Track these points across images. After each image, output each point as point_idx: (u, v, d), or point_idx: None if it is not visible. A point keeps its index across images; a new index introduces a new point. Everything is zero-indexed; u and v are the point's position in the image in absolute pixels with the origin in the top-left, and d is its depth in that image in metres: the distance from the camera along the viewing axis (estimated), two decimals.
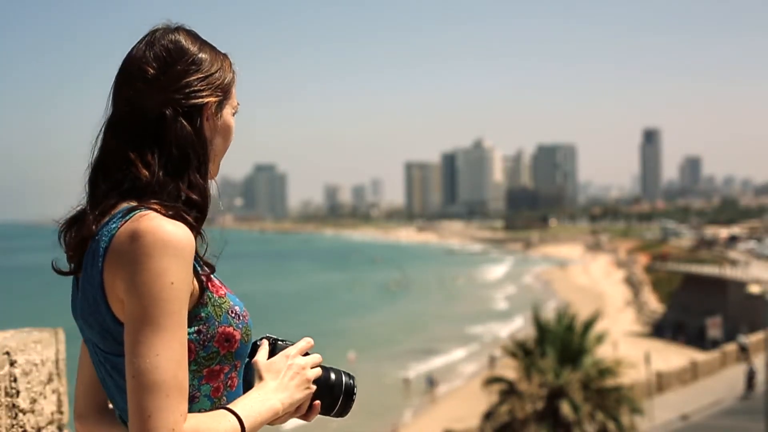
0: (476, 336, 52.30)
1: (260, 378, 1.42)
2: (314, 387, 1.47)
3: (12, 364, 2.18)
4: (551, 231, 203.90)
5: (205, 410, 1.33)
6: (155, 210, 1.30)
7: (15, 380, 2.18)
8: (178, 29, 1.44)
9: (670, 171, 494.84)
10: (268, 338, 1.51)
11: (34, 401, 2.26)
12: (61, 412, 2.43)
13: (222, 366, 1.36)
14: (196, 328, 1.32)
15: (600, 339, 22.41)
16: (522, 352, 21.72)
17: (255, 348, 1.47)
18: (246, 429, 1.30)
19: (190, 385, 1.29)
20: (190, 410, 1.29)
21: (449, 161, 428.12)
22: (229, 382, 1.38)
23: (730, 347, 36.61)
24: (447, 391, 37.47)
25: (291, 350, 1.48)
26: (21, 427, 2.19)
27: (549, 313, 31.72)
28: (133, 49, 1.42)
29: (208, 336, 1.33)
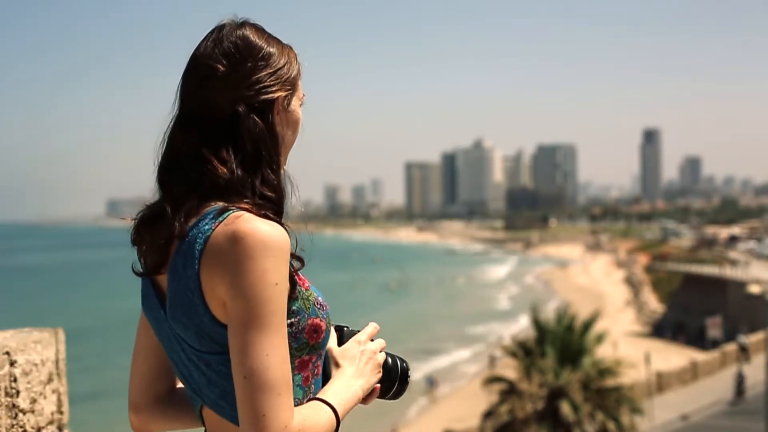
0: (477, 336, 52.28)
1: (337, 365, 1.47)
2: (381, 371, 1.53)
3: (12, 364, 2.17)
4: (551, 231, 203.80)
5: (298, 399, 1.37)
6: (247, 210, 1.31)
7: (15, 380, 2.18)
8: (244, 24, 1.44)
9: (670, 171, 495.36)
10: (334, 326, 1.55)
11: (34, 401, 2.26)
12: (61, 412, 2.43)
13: (311, 356, 1.40)
14: (289, 321, 1.35)
15: (600, 339, 22.41)
16: (522, 352, 21.72)
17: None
18: (339, 418, 1.37)
19: None
20: None
21: (449, 161, 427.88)
22: (316, 370, 1.43)
23: (730, 347, 36.60)
24: (447, 391, 37.47)
25: (361, 336, 1.53)
26: (21, 427, 2.19)
27: (549, 313, 31.72)
28: (200, 46, 1.42)
29: (300, 328, 1.37)
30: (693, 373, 33.50)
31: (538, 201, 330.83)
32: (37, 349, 2.30)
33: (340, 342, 1.52)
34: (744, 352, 36.06)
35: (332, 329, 1.52)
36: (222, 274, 1.27)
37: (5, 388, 2.15)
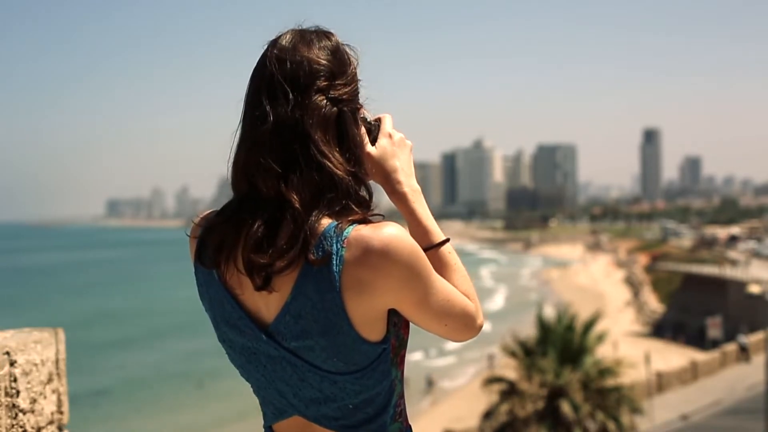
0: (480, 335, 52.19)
1: (393, 171, 1.50)
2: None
3: (12, 364, 2.17)
4: (551, 231, 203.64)
5: (399, 393, 1.44)
6: (359, 221, 1.33)
7: (15, 380, 2.18)
8: (333, 34, 1.45)
9: (670, 171, 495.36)
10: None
11: (34, 401, 2.26)
12: (61, 412, 2.42)
13: (404, 350, 1.44)
14: (393, 321, 1.38)
15: (600, 339, 22.41)
16: (522, 351, 21.71)
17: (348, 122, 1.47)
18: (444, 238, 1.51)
19: (394, 376, 1.41)
20: (392, 398, 1.41)
21: (449, 161, 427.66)
22: (404, 363, 1.47)
23: (730, 347, 36.60)
24: (447, 391, 37.46)
25: (388, 129, 1.54)
26: (21, 427, 2.19)
27: (549, 313, 31.70)
28: (300, 45, 1.40)
29: (400, 325, 1.41)
30: (693, 373, 33.49)
31: (538, 201, 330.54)
32: (37, 349, 2.30)
33: (372, 137, 1.52)
34: (744, 352, 36.06)
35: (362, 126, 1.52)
36: (381, 291, 1.30)
37: (5, 388, 2.15)
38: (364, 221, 1.34)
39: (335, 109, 1.37)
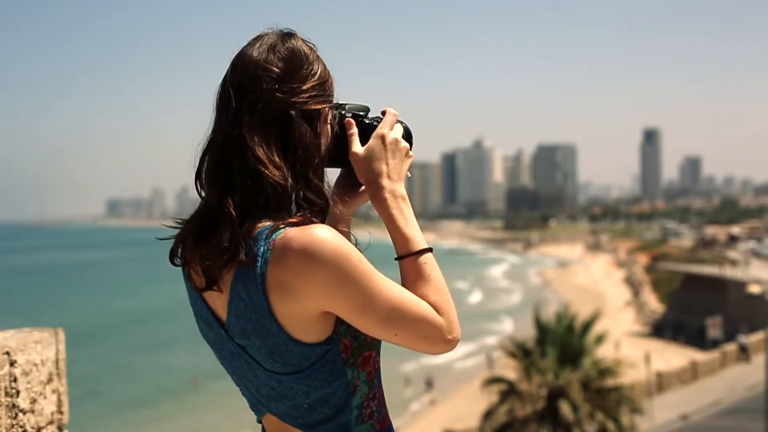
0: (476, 335, 52.25)
1: (377, 174, 1.48)
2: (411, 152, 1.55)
3: (12, 364, 2.17)
4: (551, 231, 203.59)
5: (365, 395, 1.41)
6: (295, 224, 1.33)
7: (15, 380, 2.18)
8: (294, 35, 1.46)
9: (670, 171, 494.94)
10: (352, 115, 1.51)
11: (34, 401, 2.26)
12: (61, 412, 2.42)
13: (370, 351, 1.42)
14: (347, 323, 1.37)
15: (600, 339, 22.41)
16: (522, 352, 21.72)
17: (341, 127, 1.49)
18: (427, 247, 1.45)
19: (352, 377, 1.39)
20: (353, 399, 1.39)
21: (449, 161, 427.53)
22: (376, 365, 1.44)
23: (730, 347, 36.61)
24: (447, 391, 37.45)
25: (382, 129, 1.51)
26: (21, 427, 2.19)
27: (549, 313, 31.69)
28: (248, 50, 1.42)
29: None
30: (693, 373, 33.50)
31: (538, 201, 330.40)
32: (37, 349, 2.30)
33: (364, 137, 1.49)
34: (744, 352, 36.06)
35: (353, 123, 1.50)
36: (304, 294, 1.29)
37: (5, 388, 2.15)
38: (303, 223, 1.33)
39: (281, 111, 1.38)
